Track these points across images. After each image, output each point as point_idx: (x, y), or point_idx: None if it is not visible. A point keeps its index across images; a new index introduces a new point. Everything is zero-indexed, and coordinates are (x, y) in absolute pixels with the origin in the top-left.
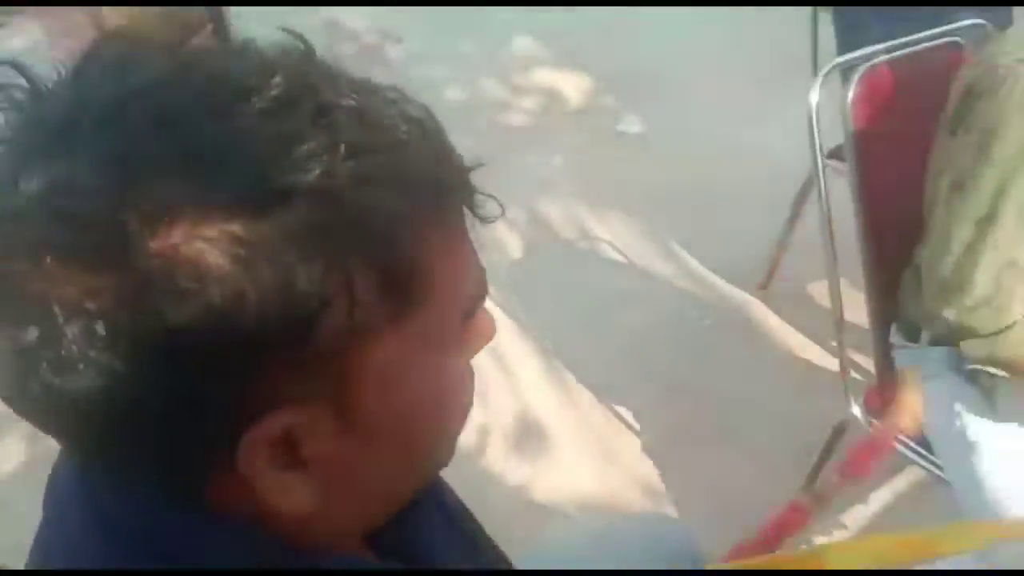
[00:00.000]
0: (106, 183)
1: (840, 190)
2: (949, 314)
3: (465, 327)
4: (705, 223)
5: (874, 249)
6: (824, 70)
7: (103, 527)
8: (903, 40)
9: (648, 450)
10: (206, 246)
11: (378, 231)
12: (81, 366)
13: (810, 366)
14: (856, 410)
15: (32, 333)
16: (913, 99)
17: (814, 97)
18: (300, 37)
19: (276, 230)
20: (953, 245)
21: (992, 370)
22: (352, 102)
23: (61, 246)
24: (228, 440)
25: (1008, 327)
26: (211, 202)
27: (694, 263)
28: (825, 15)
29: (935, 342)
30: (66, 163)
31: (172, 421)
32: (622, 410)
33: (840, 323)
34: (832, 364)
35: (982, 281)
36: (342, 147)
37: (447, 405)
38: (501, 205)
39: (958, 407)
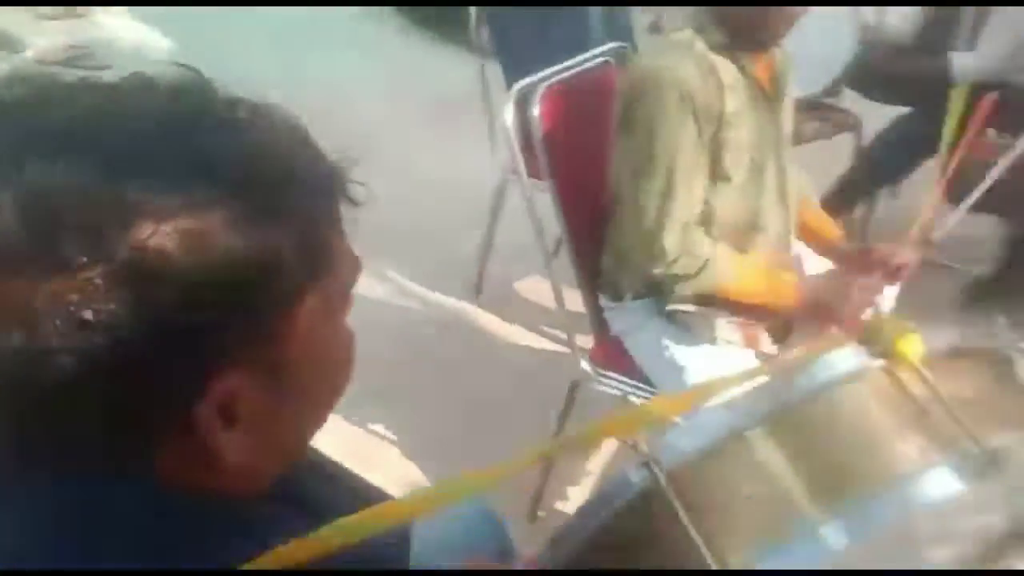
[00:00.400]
0: (84, 191)
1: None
2: (657, 271)
3: (346, 298)
4: (417, 249)
5: (575, 237)
6: (512, 94)
7: (53, 510)
8: (566, 64)
9: (408, 455)
10: (167, 239)
11: (299, 216)
12: (60, 355)
13: (532, 350)
14: (585, 365)
15: (17, 337)
16: (583, 108)
17: (509, 118)
18: (195, 70)
19: (220, 222)
20: (644, 221)
21: (686, 307)
22: (245, 115)
23: (44, 250)
24: (183, 405)
25: (701, 268)
26: (167, 204)
27: (414, 285)
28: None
29: (636, 297)
30: (43, 171)
31: (137, 393)
32: (376, 427)
33: (560, 299)
34: (549, 345)
35: (672, 241)
36: (260, 155)
37: (344, 359)
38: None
39: (665, 342)
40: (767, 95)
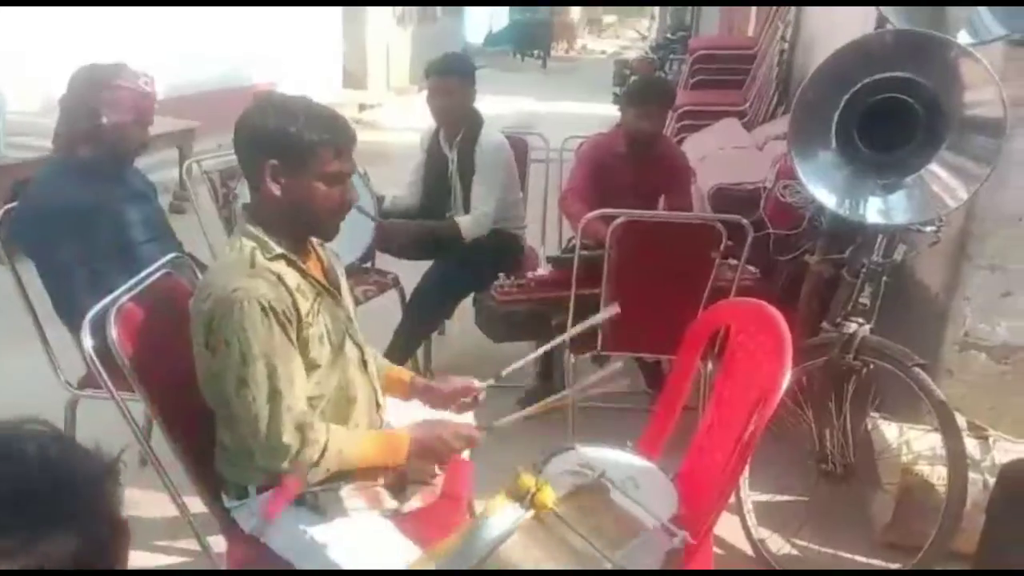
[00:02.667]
0: None
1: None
2: (284, 466)
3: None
4: None
5: (181, 444)
6: (91, 315)
7: None
8: (132, 283)
9: None
10: None
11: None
12: None
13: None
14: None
15: None
16: (158, 321)
17: (87, 342)
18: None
19: None
20: (260, 426)
21: (315, 490)
22: None
23: None
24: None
25: (323, 453)
26: None
27: None
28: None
29: (262, 491)
30: None
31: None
32: None
33: (183, 508)
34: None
35: (289, 437)
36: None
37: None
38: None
39: (302, 527)
40: (327, 288)
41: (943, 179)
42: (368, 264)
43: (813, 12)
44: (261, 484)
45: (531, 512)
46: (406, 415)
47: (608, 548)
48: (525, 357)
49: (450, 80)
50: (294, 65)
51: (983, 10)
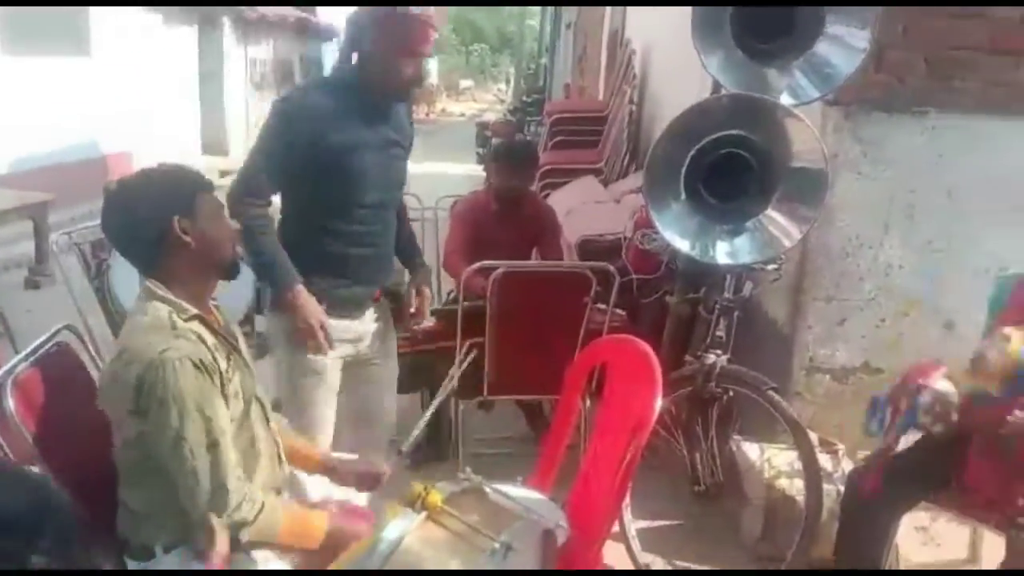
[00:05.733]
0: None
1: None
2: (223, 517)
3: None
4: None
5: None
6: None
7: None
8: (23, 355)
9: None
10: None
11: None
12: None
13: None
14: None
15: None
16: (55, 389)
17: None
18: None
19: None
20: (203, 480)
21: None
22: None
23: None
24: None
25: (259, 512)
26: None
27: None
28: None
29: (168, 550)
30: None
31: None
32: None
33: None
34: None
35: (234, 487)
36: None
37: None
38: None
39: None
40: (232, 345)
41: (779, 222)
42: (248, 328)
43: (657, 77)
44: (168, 543)
45: (424, 513)
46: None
47: (493, 531)
48: (414, 415)
49: None
50: (149, 133)
51: (798, 74)
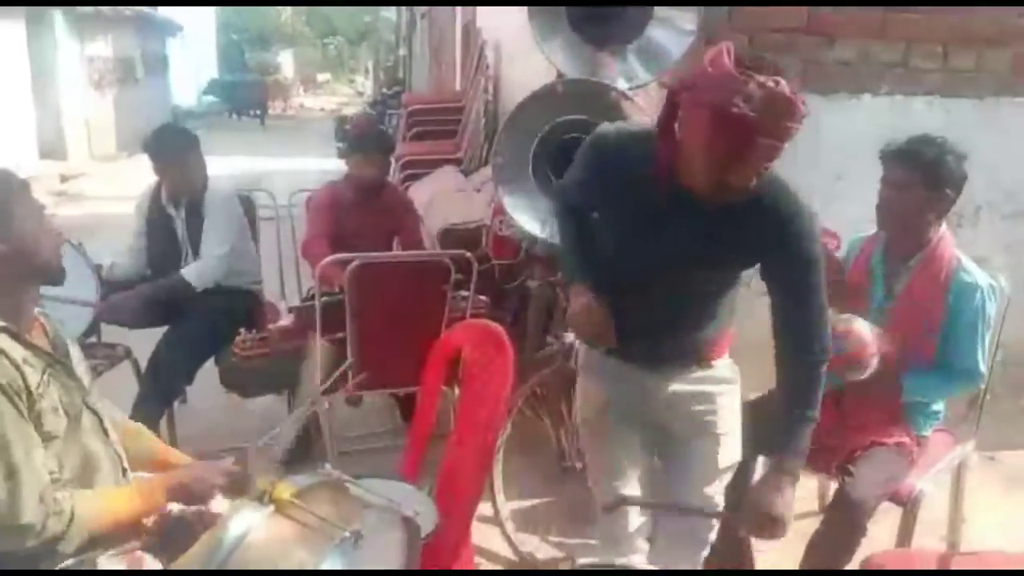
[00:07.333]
0: None
1: None
2: (31, 544)
3: None
4: None
5: None
6: None
7: None
8: None
9: None
10: None
11: None
12: None
13: None
14: None
15: None
16: None
17: None
18: None
19: None
20: (7, 492)
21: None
22: None
23: None
24: None
25: (70, 521)
26: None
27: None
28: None
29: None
30: None
31: None
32: None
33: None
34: None
35: (31, 513)
36: None
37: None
38: None
39: None
40: (55, 358)
41: None
42: (93, 339)
43: (510, 65)
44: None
45: (271, 507)
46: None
47: (344, 522)
48: (276, 415)
49: (175, 156)
50: None
51: (632, 59)
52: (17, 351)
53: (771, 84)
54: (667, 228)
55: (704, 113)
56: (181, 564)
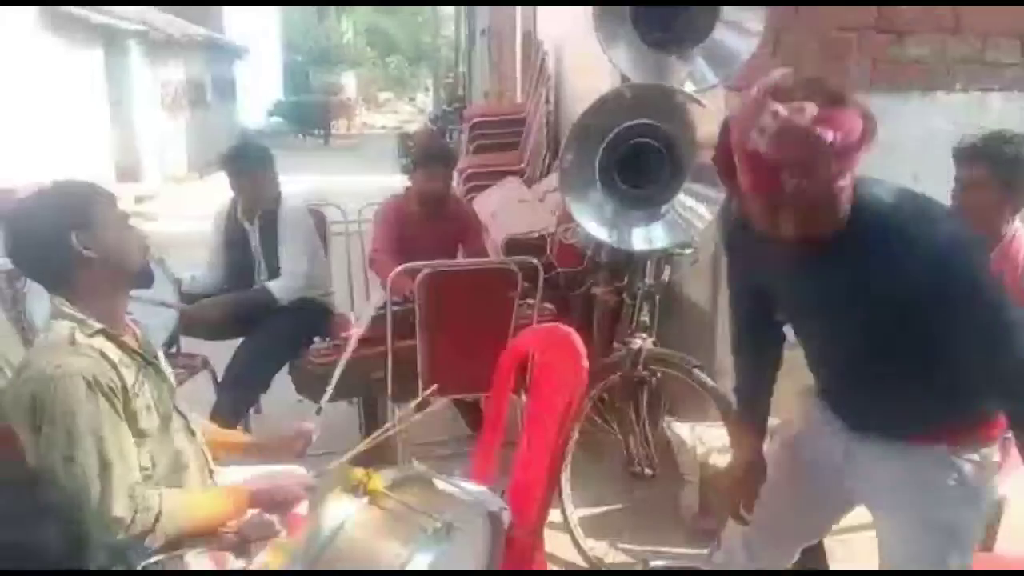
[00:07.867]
0: None
1: None
2: (120, 538)
3: None
4: None
5: None
6: None
7: None
8: None
9: None
10: None
11: None
12: None
13: None
14: None
15: None
16: None
17: None
18: None
19: None
20: (90, 499)
21: (159, 558)
22: None
23: None
24: None
25: (157, 519)
26: None
27: None
28: None
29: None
30: None
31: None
32: None
33: None
34: None
35: (121, 507)
36: None
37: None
38: None
39: None
40: (147, 359)
41: (690, 206)
42: (174, 349)
43: (571, 75)
44: (100, 564)
45: (365, 499)
46: (238, 476)
47: (436, 512)
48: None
49: (251, 171)
50: (60, 163)
51: (700, 61)
52: (114, 352)
53: (786, 113)
54: (794, 282)
55: (732, 151)
56: (285, 547)
